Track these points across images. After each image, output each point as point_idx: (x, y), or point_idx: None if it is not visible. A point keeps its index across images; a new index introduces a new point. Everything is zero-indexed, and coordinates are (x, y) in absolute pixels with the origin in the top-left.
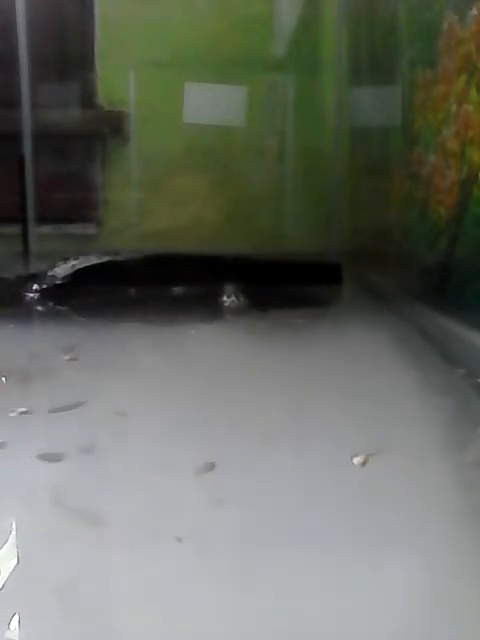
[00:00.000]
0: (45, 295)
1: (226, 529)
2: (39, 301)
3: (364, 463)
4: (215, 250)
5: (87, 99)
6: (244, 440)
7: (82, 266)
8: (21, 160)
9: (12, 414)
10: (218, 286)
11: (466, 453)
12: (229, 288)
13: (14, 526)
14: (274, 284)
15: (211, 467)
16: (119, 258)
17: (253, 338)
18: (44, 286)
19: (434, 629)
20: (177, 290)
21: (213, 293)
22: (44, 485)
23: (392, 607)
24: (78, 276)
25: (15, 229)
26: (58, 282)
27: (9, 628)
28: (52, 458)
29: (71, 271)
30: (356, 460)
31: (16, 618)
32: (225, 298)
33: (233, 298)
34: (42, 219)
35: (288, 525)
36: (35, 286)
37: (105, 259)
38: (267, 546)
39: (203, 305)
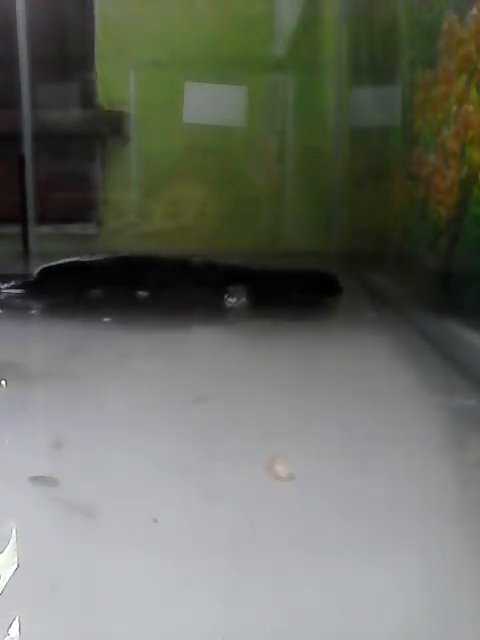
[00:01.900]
0: (13, 294)
1: (223, 527)
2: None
3: (284, 475)
4: (212, 253)
5: (87, 99)
6: (242, 438)
7: (48, 265)
8: (21, 160)
9: None
10: (186, 291)
11: (467, 452)
12: (233, 289)
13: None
14: (257, 291)
15: (210, 463)
16: (87, 259)
17: (247, 337)
18: (12, 284)
19: (433, 629)
20: (141, 293)
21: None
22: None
23: (391, 606)
24: (46, 276)
25: (15, 229)
26: (27, 281)
27: (8, 634)
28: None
29: (37, 270)
30: (278, 469)
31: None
32: (228, 298)
33: (235, 298)
34: (42, 219)
35: (286, 523)
36: (4, 285)
37: (73, 260)
38: (265, 544)
39: (152, 307)
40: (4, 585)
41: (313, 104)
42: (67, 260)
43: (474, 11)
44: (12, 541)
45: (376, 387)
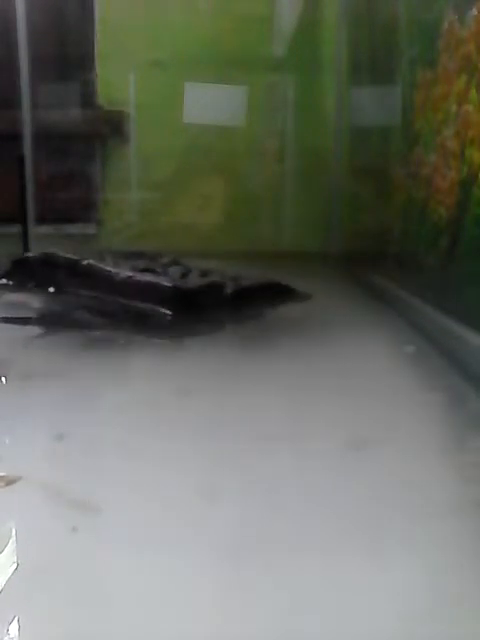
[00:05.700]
0: None
1: (222, 527)
2: None
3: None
4: (210, 253)
5: (87, 99)
6: (241, 438)
7: (17, 258)
8: (21, 160)
9: None
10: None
11: (464, 451)
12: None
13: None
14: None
15: (208, 459)
16: (29, 255)
17: (247, 338)
18: None
19: (434, 629)
20: (51, 290)
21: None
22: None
23: (391, 606)
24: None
25: (15, 229)
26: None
27: (8, 633)
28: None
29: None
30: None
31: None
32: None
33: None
34: (42, 219)
35: (285, 523)
36: None
37: (23, 256)
38: (264, 544)
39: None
40: (4, 584)
41: (313, 104)
42: (23, 256)
43: (474, 11)
44: (11, 540)
45: (375, 386)
